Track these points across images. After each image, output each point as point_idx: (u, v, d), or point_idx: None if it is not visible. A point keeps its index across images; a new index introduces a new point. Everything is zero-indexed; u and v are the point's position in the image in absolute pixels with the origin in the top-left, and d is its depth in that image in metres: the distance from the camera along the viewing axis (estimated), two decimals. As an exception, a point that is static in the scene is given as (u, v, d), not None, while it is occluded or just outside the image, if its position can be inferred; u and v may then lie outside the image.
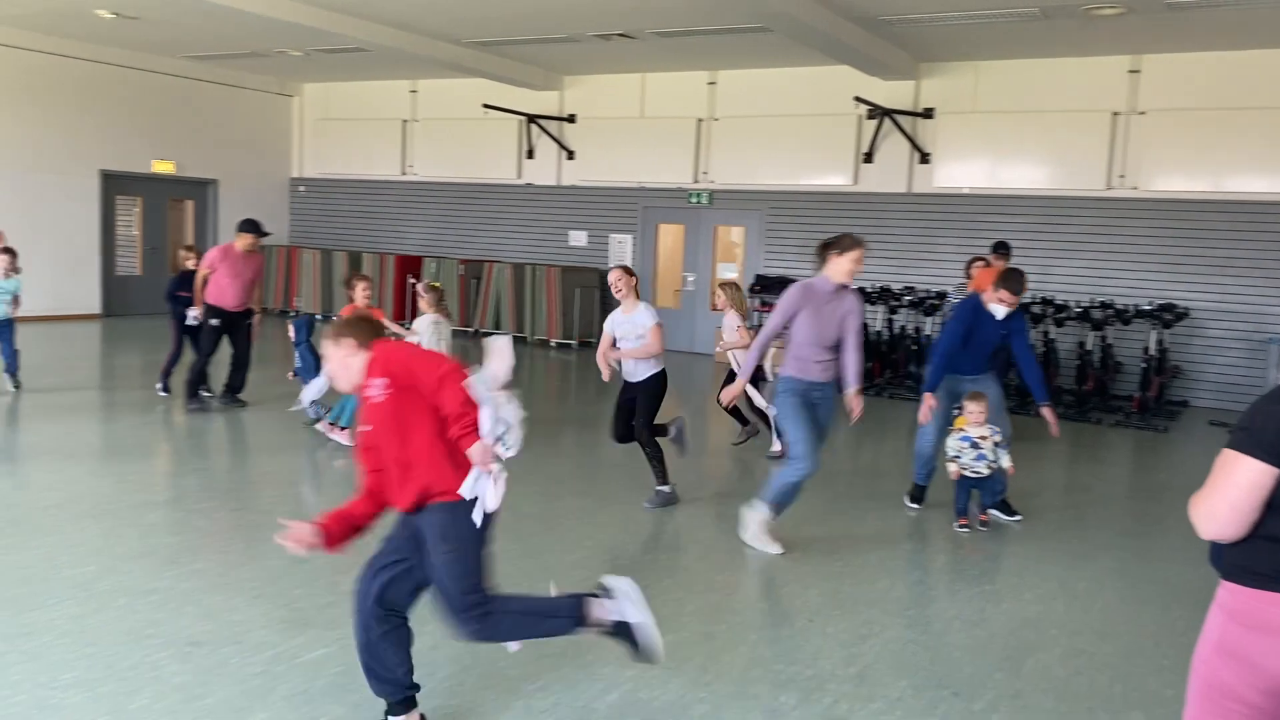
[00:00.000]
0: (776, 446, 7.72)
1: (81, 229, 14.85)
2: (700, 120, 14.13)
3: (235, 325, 8.82)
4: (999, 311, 6.20)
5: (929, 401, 6.18)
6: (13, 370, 9.21)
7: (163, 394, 9.17)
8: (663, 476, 6.38)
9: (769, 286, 13.36)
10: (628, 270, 6.44)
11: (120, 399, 9.58)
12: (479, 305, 15.14)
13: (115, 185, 15.36)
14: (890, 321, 12.31)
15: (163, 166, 15.78)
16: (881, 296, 12.32)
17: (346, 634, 4.11)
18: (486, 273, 15.04)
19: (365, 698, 3.60)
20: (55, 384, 9.76)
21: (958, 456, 6.12)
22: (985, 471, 6.12)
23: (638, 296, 6.46)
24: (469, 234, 16.20)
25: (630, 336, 6.36)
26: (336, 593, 4.58)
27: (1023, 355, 6.34)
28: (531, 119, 15.07)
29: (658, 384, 6.39)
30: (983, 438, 6.11)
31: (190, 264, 9.31)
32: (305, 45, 13.69)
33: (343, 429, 7.58)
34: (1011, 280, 6.18)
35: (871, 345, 12.10)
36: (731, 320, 8.08)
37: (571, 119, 15.10)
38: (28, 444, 7.39)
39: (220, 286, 8.69)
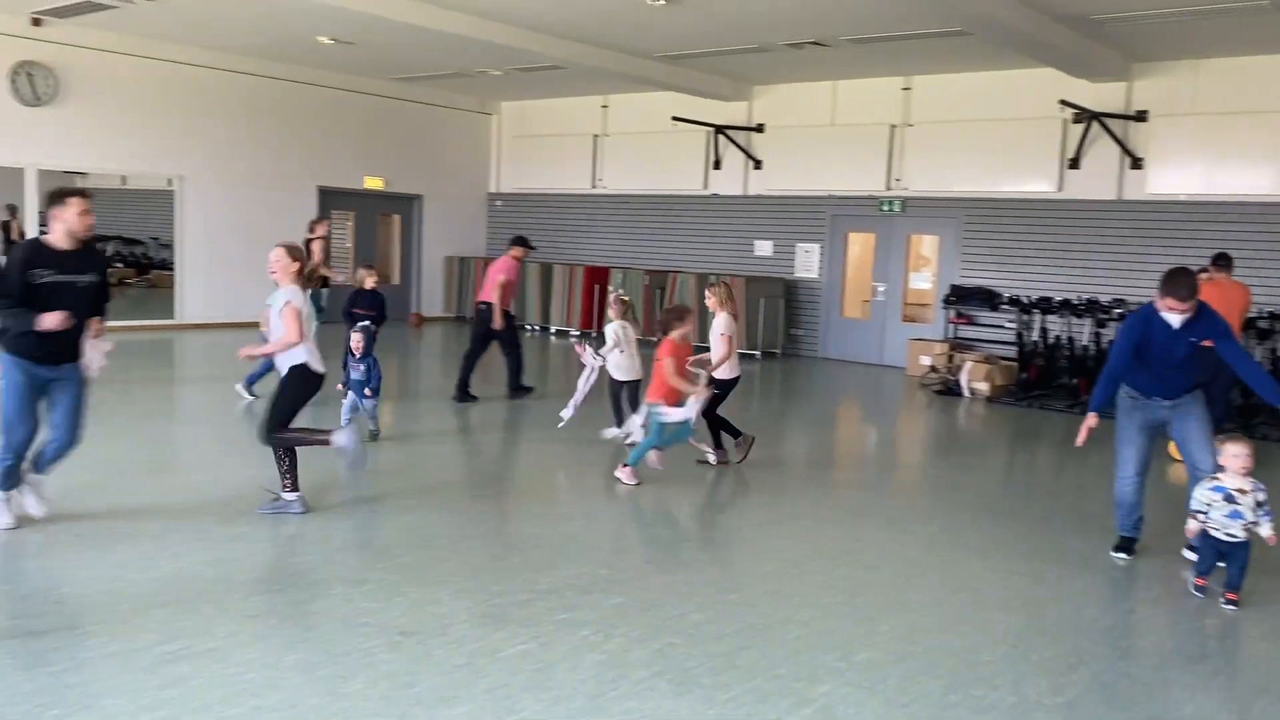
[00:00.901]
0: (711, 458, 7.54)
1: (299, 241, 15.90)
2: (893, 126, 13.82)
3: (509, 326, 10.08)
4: (1174, 320, 5.35)
5: (1089, 422, 5.44)
6: (254, 379, 9.36)
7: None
8: (288, 483, 5.75)
9: (965, 297, 12.92)
10: (290, 250, 6.08)
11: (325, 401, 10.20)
12: (665, 315, 15.27)
13: (331, 200, 16.40)
14: (1098, 336, 11.67)
15: (373, 182, 16.74)
16: (1089, 309, 11.70)
17: (544, 632, 4.25)
18: (671, 283, 15.19)
19: (562, 694, 3.70)
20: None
21: (1204, 511, 5.01)
22: (1240, 536, 4.92)
23: (297, 280, 6.07)
24: (655, 245, 16.41)
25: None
26: (533, 590, 4.72)
27: (1237, 361, 5.41)
28: (719, 130, 15.14)
29: (295, 378, 5.78)
30: (1241, 491, 4.94)
31: (370, 283, 9.63)
32: (505, 64, 14.24)
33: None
34: (1173, 283, 5.32)
35: (1077, 361, 11.50)
36: (720, 325, 7.61)
37: (760, 128, 15.07)
38: (251, 436, 7.95)
39: (513, 292, 10.25)
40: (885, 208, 14.00)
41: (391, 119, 16.80)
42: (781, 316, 14.75)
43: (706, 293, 8.09)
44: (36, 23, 12.71)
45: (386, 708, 3.55)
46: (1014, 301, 12.31)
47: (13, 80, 12.73)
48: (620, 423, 8.16)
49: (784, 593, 4.90)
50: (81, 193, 5.21)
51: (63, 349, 5.16)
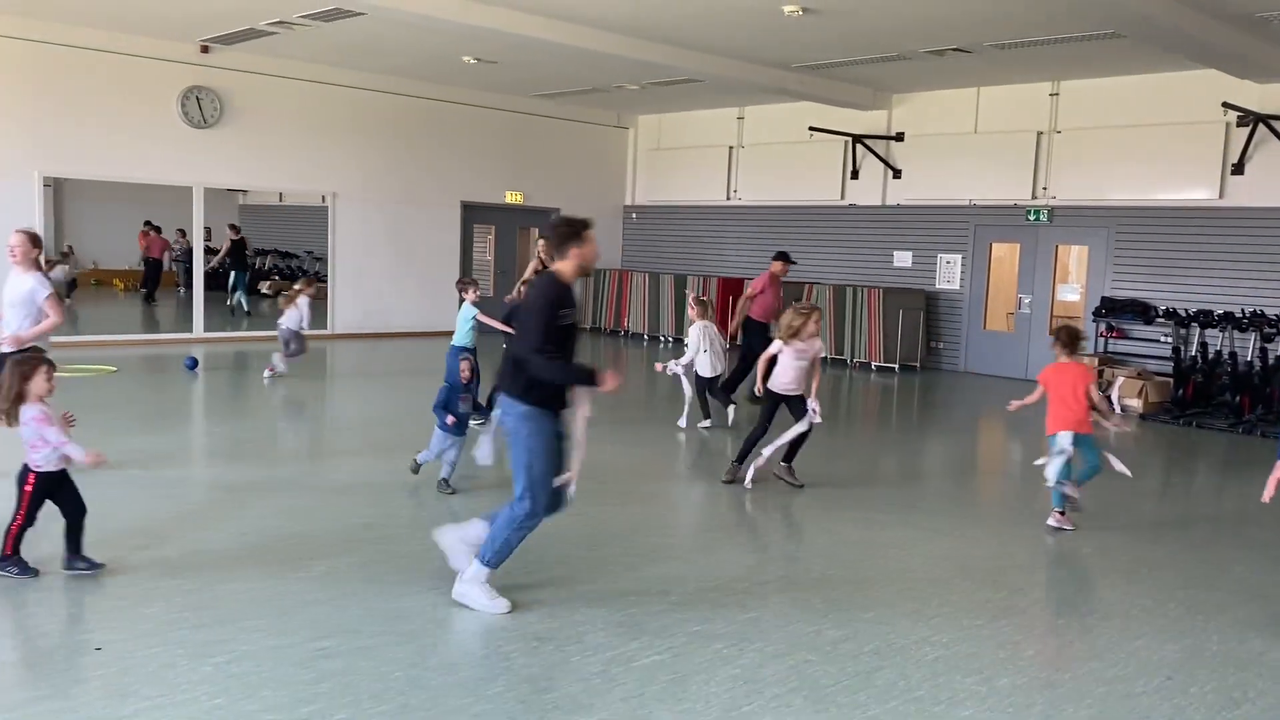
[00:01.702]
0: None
1: (444, 255, 16.45)
2: (1040, 133, 13.37)
3: (763, 338, 9.37)
4: None
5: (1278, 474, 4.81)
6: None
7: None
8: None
9: (1116, 310, 12.38)
10: (31, 236, 6.26)
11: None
12: (800, 327, 15.15)
13: (473, 215, 16.89)
14: (1264, 351, 11.00)
15: (513, 197, 17.17)
16: (1253, 322, 11.04)
17: (678, 643, 4.27)
18: (806, 294, 15.04)
19: (695, 706, 3.71)
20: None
21: None
22: None
23: (37, 267, 6.24)
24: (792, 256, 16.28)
25: (17, 303, 6.16)
26: (667, 601, 4.75)
27: None
28: (857, 139, 14.94)
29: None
30: None
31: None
32: (642, 79, 14.41)
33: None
34: None
35: (1241, 378, 10.86)
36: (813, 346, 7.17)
37: (899, 137, 14.80)
38: (397, 442, 8.25)
39: (766, 306, 10.23)
40: (1031, 217, 13.55)
41: (531, 135, 17.19)
42: (921, 329, 14.43)
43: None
44: (204, 50, 13.54)
45: (525, 711, 3.63)
46: (1170, 314, 11.73)
47: (182, 104, 13.58)
48: (708, 415, 9.06)
49: (923, 613, 4.80)
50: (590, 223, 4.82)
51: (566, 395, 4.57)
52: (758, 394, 7.25)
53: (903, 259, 14.93)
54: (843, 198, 15.52)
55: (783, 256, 10.81)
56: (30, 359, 4.84)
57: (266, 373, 11.02)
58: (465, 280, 9.59)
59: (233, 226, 18.75)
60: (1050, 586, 5.31)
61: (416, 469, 6.78)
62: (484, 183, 16.78)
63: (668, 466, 8.07)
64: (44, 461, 4.69)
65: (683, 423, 9.18)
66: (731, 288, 16.06)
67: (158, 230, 19.86)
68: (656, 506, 6.85)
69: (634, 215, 18.68)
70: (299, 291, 11.27)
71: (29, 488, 4.69)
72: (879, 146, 14.92)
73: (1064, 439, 6.27)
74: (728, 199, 17.05)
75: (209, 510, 6.06)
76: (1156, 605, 5.03)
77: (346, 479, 7.04)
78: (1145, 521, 6.80)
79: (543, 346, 4.37)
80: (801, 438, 7.02)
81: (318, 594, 4.69)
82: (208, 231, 15.06)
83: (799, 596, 4.96)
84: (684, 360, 8.99)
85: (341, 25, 11.63)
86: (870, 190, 15.23)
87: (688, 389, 9.19)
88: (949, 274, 14.45)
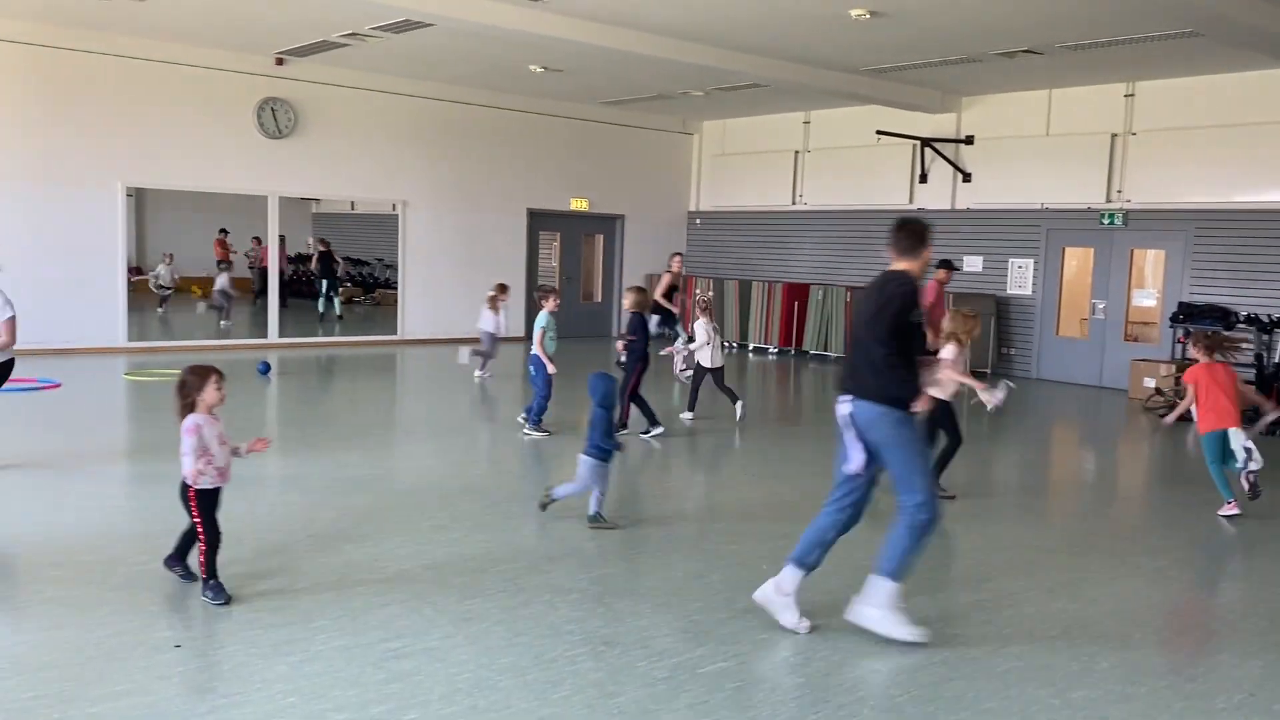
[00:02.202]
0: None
1: (510, 261, 16.62)
2: (1114, 135, 13.08)
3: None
4: None
5: None
6: (541, 413, 8.97)
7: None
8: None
9: (1194, 316, 12.04)
10: None
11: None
12: (867, 333, 15.01)
13: (539, 222, 17.04)
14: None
15: (578, 204, 17.28)
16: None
17: (744, 650, 4.26)
18: (875, 300, 14.88)
19: (761, 715, 3.69)
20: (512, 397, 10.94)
21: None
22: None
23: None
24: (856, 261, 16.14)
25: None
26: (732, 609, 4.73)
27: None
28: (925, 143, 14.76)
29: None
30: None
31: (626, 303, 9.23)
32: (707, 85, 14.42)
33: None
34: None
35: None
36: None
37: (969, 140, 14.59)
38: (467, 446, 8.35)
39: (937, 318, 9.59)
40: (1106, 221, 13.26)
41: (596, 142, 17.29)
42: (992, 335, 14.19)
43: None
44: (279, 62, 13.87)
45: (591, 716, 3.65)
46: (1252, 320, 11.37)
47: (258, 115, 13.93)
48: (693, 407, 9.75)
49: (995, 623, 4.72)
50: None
51: None
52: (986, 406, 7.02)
53: (973, 263, 14.70)
54: (911, 202, 15.35)
55: (947, 264, 10.70)
56: (203, 368, 4.67)
57: (477, 374, 11.76)
58: (545, 289, 9.50)
59: (321, 240, 19.34)
60: (1125, 599, 5.18)
61: (547, 504, 6.18)
62: (549, 190, 16.92)
63: (739, 473, 8.04)
64: (198, 478, 4.56)
65: (687, 416, 9.76)
66: (796, 293, 15.97)
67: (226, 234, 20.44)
68: (726, 516, 6.83)
69: (698, 221, 18.68)
70: (498, 296, 11.95)
71: (194, 507, 4.57)
72: (948, 150, 14.72)
73: (1236, 435, 6.57)
74: (793, 204, 16.96)
75: (277, 511, 6.19)
76: (1237, 619, 4.89)
77: (413, 481, 7.14)
78: (1223, 533, 6.59)
79: (889, 346, 4.28)
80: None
81: (388, 596, 4.76)
82: (282, 240, 15.42)
83: (866, 605, 4.90)
84: (694, 346, 9.81)
85: (411, 36, 11.82)
86: (939, 194, 15.04)
87: (681, 366, 10.74)
88: (1020, 279, 14.19)
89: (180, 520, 4.80)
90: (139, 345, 13.53)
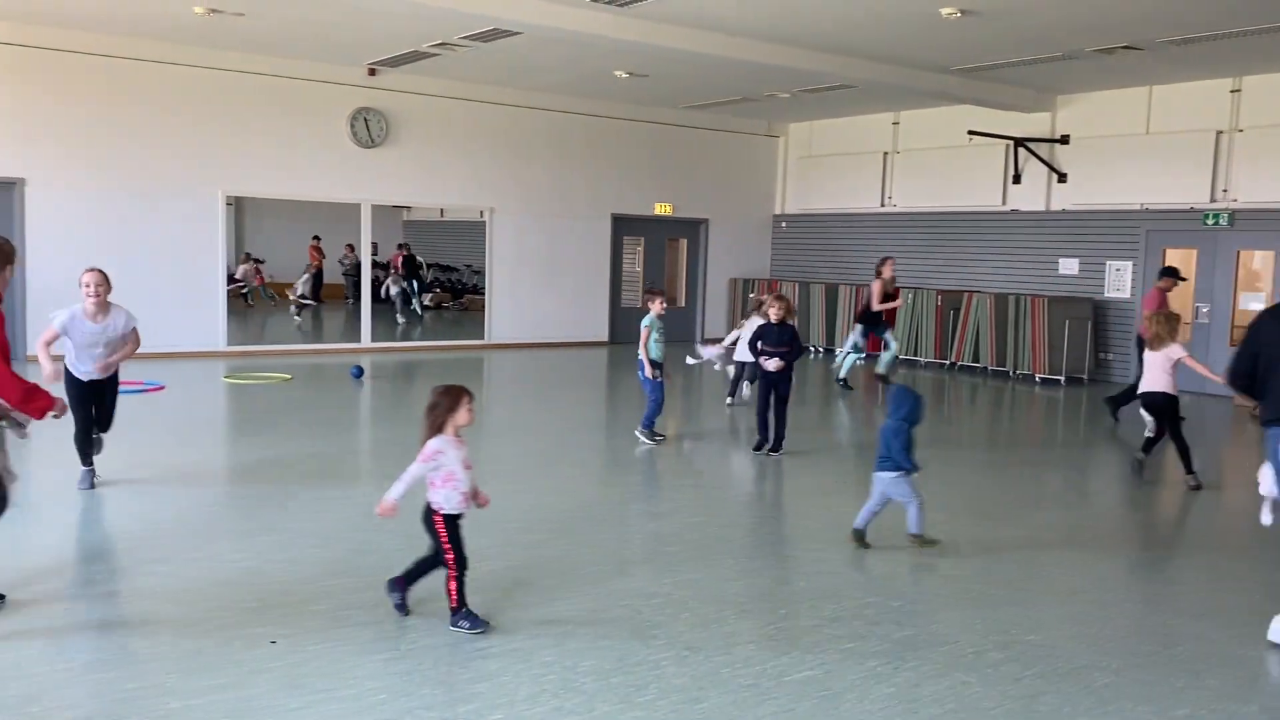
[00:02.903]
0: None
1: (594, 266, 16.72)
2: (1219, 133, 12.60)
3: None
4: None
5: None
6: (654, 419, 8.79)
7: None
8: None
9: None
10: (104, 274, 6.48)
11: (622, 418, 10.62)
12: (955, 338, 14.73)
13: (623, 226, 17.11)
14: None
15: (662, 208, 17.30)
16: None
17: (830, 659, 4.19)
18: (965, 304, 14.59)
19: (849, 725, 3.63)
20: (572, 401, 11.01)
21: None
22: None
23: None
24: (948, 264, 15.84)
25: (100, 344, 6.41)
26: (819, 616, 4.67)
27: None
28: (1019, 143, 14.41)
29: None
30: None
31: (775, 313, 8.09)
32: (793, 86, 14.31)
33: None
34: None
35: None
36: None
37: (1064, 140, 14.20)
38: (543, 452, 8.41)
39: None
40: (1209, 221, 12.77)
41: (680, 146, 17.30)
42: (1089, 339, 13.78)
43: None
44: (372, 73, 14.18)
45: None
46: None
47: (352, 125, 14.26)
48: (734, 395, 10.63)
49: (1090, 636, 4.56)
50: None
51: None
52: (1254, 414, 6.87)
53: (1068, 266, 14.30)
54: (1004, 203, 15.00)
55: (1171, 272, 10.50)
56: (456, 388, 4.48)
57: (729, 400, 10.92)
58: (653, 290, 9.25)
59: (402, 245, 19.89)
60: (1232, 613, 4.96)
61: (862, 538, 5.83)
62: (634, 195, 16.97)
63: (832, 483, 7.94)
64: (445, 502, 4.40)
65: (736, 398, 10.59)
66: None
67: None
68: (813, 523, 6.75)
69: (783, 224, 18.54)
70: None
71: (442, 532, 4.40)
72: (1042, 150, 14.35)
73: None
74: (882, 206, 16.72)
75: (372, 509, 6.30)
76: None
77: (497, 483, 7.22)
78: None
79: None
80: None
81: (474, 596, 4.80)
82: (374, 246, 15.77)
83: (960, 616, 4.79)
84: (725, 342, 10.73)
85: (499, 45, 11.98)
86: (1033, 195, 14.67)
87: (730, 369, 10.93)
88: (1118, 282, 13.75)
89: (279, 517, 4.91)
90: (237, 349, 13.97)
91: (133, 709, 3.58)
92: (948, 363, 14.86)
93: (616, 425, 10.23)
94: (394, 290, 19.33)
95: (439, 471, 4.37)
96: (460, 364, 14.14)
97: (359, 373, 12.19)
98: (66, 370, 6.40)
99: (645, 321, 8.64)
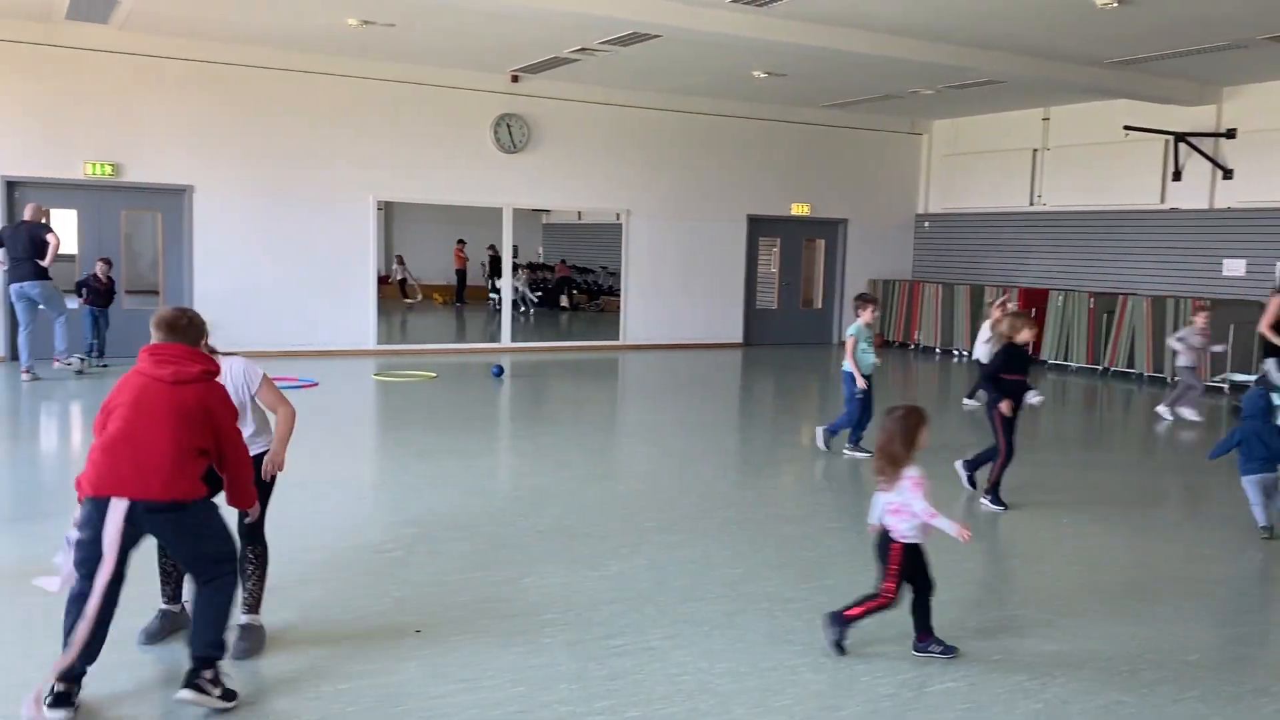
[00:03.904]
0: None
1: (729, 267, 16.67)
2: None
3: None
4: None
5: None
6: (840, 430, 8.44)
7: (996, 507, 6.74)
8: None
9: None
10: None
11: (758, 421, 10.55)
12: (1110, 342, 14.07)
13: (758, 227, 17.00)
14: None
15: (800, 209, 17.11)
16: None
17: (974, 673, 4.07)
18: (1119, 306, 13.93)
19: (994, 741, 3.51)
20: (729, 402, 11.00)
21: None
22: None
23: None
24: (1100, 265, 15.16)
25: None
26: (964, 628, 4.53)
27: None
28: (1179, 138, 13.67)
29: None
30: None
31: (1023, 336, 6.66)
32: (937, 83, 13.95)
33: None
34: None
35: None
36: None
37: (1230, 134, 13.40)
38: (678, 453, 8.42)
39: None
40: (1397, 217, 11.84)
41: (818, 145, 17.08)
42: (1256, 342, 12.95)
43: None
44: (514, 79, 14.51)
45: (812, 727, 3.58)
46: None
47: (495, 131, 14.62)
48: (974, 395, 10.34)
49: (1256, 660, 4.30)
50: None
51: None
52: None
53: (1234, 267, 13.48)
54: (1162, 201, 14.26)
55: None
56: (919, 410, 4.28)
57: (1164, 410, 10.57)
58: (864, 297, 8.39)
59: (490, 246, 20.89)
60: None
61: (1273, 532, 5.98)
62: (770, 195, 16.85)
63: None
64: (911, 532, 4.18)
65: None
66: (1034, 298, 15.16)
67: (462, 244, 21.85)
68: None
69: (926, 224, 18.09)
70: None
71: (895, 562, 4.17)
72: (1205, 145, 13.57)
73: None
74: (1030, 204, 16.13)
75: (512, 504, 6.45)
76: None
77: (639, 484, 7.27)
78: None
79: None
80: None
81: (611, 594, 4.86)
82: (515, 249, 16.13)
83: (1113, 632, 4.56)
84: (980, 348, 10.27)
85: (638, 48, 12.08)
86: (1195, 192, 13.89)
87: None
88: (1291, 283, 12.88)
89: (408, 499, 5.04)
90: (386, 348, 14.49)
91: (289, 689, 3.75)
92: (1100, 368, 14.22)
93: (751, 428, 10.19)
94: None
95: (903, 498, 4.15)
96: (595, 364, 14.32)
97: (499, 371, 12.49)
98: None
99: (851, 330, 8.23)
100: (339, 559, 5.27)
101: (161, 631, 4.16)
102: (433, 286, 23.31)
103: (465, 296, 22.64)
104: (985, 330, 10.57)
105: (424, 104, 14.15)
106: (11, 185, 12.13)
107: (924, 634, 4.24)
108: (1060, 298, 14.74)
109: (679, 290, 16.22)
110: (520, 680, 3.88)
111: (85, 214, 12.87)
